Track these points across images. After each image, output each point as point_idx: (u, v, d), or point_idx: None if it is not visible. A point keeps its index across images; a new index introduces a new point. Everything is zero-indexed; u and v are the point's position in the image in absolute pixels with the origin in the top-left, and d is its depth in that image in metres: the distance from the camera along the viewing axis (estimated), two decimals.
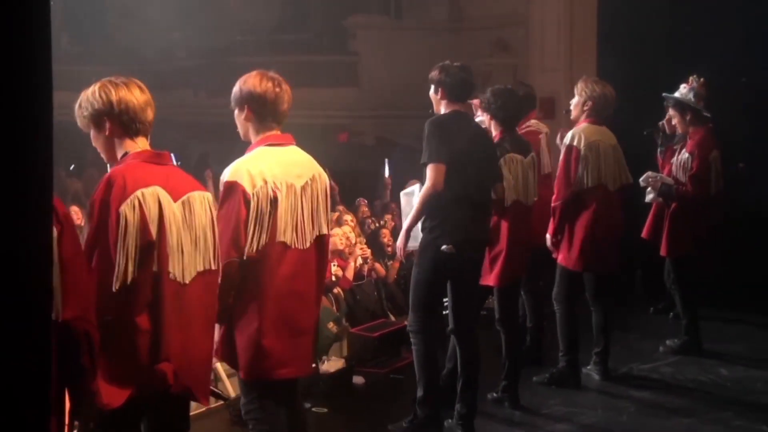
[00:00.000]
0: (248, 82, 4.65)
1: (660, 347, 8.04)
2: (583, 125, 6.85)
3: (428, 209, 5.74)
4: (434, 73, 5.87)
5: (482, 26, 13.30)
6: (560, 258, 6.92)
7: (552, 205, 6.83)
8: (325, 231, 4.60)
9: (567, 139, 6.81)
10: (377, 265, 8.90)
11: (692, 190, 7.62)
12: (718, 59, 10.33)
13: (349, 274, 8.60)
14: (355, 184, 12.94)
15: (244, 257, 4.35)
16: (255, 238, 4.36)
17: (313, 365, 6.92)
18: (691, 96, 7.72)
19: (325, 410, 6.63)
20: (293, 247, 4.44)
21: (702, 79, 7.77)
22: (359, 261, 8.80)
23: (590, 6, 11.35)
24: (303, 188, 4.49)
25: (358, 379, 7.23)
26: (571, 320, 7.00)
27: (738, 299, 9.28)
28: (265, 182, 4.38)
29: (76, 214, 9.61)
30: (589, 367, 7.26)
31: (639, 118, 9.00)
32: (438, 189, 5.63)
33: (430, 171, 5.66)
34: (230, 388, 6.97)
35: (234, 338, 4.46)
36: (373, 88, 13.51)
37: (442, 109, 5.89)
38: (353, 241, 9.03)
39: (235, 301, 4.42)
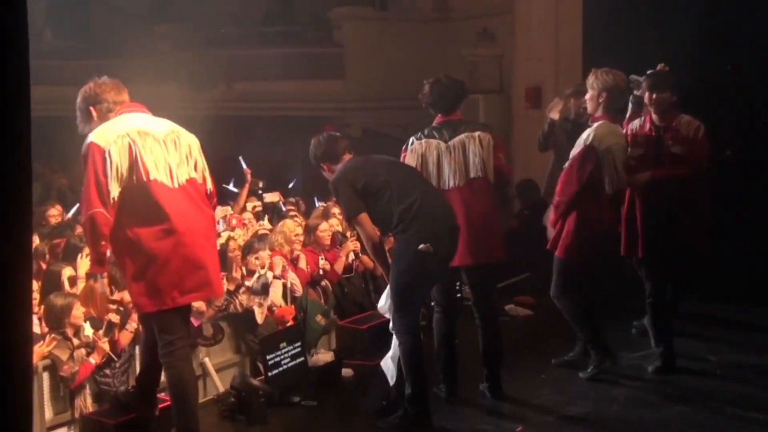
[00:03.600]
0: (80, 92, 5.55)
1: (632, 329, 8.10)
2: (602, 123, 6.75)
3: (391, 224, 5.87)
4: (312, 149, 6.18)
5: (467, 16, 13.24)
6: (560, 252, 6.89)
7: (557, 199, 6.83)
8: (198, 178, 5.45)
9: (589, 139, 6.70)
10: (365, 258, 8.86)
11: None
12: (704, 45, 10.34)
13: (338, 267, 8.57)
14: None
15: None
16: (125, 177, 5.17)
17: (302, 359, 6.94)
18: None
19: (314, 403, 6.62)
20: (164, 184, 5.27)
21: (668, 67, 7.79)
22: (351, 256, 8.76)
23: None
24: (164, 138, 5.35)
25: (347, 372, 7.20)
26: (581, 316, 6.96)
27: (727, 287, 9.26)
28: (124, 135, 5.21)
29: (58, 212, 9.55)
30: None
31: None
32: (375, 237, 5.90)
33: (359, 225, 5.90)
34: (219, 383, 6.95)
35: None
36: (358, 80, 13.45)
37: (331, 171, 6.11)
38: (345, 233, 8.99)
39: None
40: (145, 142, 5.25)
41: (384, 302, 6.04)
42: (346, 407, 6.74)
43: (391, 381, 6.09)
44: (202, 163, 5.53)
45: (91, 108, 5.45)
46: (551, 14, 11.58)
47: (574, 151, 6.76)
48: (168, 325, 5.34)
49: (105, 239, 5.21)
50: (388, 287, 6.04)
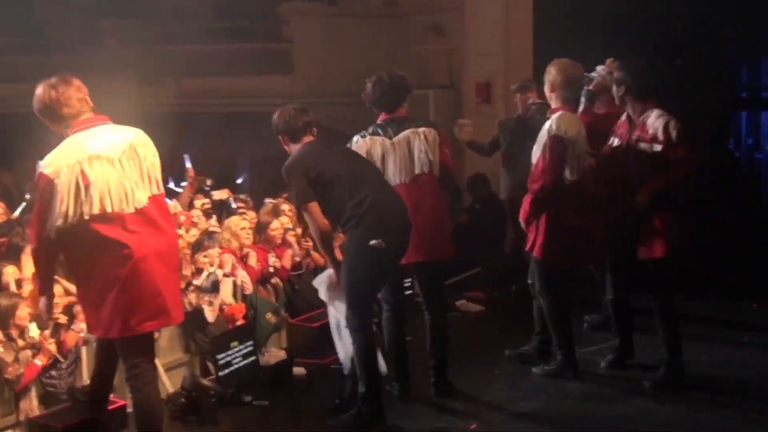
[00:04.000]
0: (35, 98, 5.17)
1: (584, 323, 8.11)
2: (563, 114, 6.64)
3: (342, 218, 5.82)
4: (274, 119, 6.04)
5: (418, 11, 13.18)
6: (537, 251, 6.77)
7: (533, 194, 6.67)
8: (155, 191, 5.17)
9: (553, 129, 6.58)
10: (316, 255, 8.78)
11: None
12: (653, 41, 10.41)
13: (287, 263, 8.48)
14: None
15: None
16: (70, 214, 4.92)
17: (253, 358, 6.86)
18: (609, 78, 7.74)
19: (266, 403, 6.55)
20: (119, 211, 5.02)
21: (617, 62, 7.79)
22: (302, 254, 8.67)
23: None
24: (120, 157, 5.06)
25: (299, 371, 7.13)
26: (560, 313, 6.89)
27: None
28: (74, 165, 4.94)
29: (2, 210, 9.36)
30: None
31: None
32: (324, 227, 5.80)
33: (308, 214, 5.83)
34: (168, 383, 6.84)
35: None
36: (308, 75, 13.33)
37: (292, 151, 5.99)
38: (296, 233, 8.90)
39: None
40: (97, 170, 4.99)
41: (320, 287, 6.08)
42: (298, 406, 6.67)
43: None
44: (156, 170, 5.29)
45: (48, 123, 5.20)
46: (502, 10, 11.56)
47: (540, 143, 6.67)
48: (130, 349, 5.17)
49: (46, 272, 5.15)
50: (324, 273, 6.09)
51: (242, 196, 11.07)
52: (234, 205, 10.37)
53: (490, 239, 10.79)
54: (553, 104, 6.74)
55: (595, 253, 6.88)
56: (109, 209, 4.99)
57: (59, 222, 4.93)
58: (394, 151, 6.31)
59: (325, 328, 7.49)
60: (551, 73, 6.71)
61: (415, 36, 12.98)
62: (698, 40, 12.24)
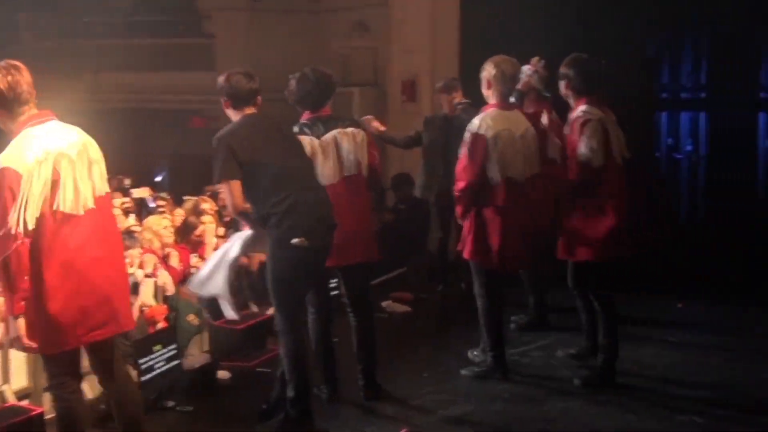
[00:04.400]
0: None
1: (511, 324, 8.07)
2: (491, 111, 6.60)
3: (262, 211, 5.59)
4: (220, 81, 5.76)
5: (341, 7, 13.06)
6: (467, 253, 6.69)
7: (456, 193, 6.63)
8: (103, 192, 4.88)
9: (473, 127, 6.55)
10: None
11: None
12: (577, 39, 10.41)
13: None
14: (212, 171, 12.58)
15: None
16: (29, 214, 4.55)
17: (177, 361, 6.66)
18: (535, 77, 7.76)
19: (190, 408, 6.37)
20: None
21: (543, 61, 7.81)
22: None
23: None
24: (77, 157, 4.74)
25: (223, 374, 6.95)
26: (494, 315, 6.82)
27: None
28: (36, 160, 4.58)
29: None
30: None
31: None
32: (239, 208, 5.55)
33: (226, 189, 5.55)
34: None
35: None
36: (228, 71, 13.13)
37: (232, 117, 5.74)
38: (218, 232, 8.72)
39: None
40: (66, 168, 4.69)
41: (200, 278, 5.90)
42: (223, 411, 6.50)
43: None
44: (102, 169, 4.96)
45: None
46: (428, 7, 11.48)
47: (463, 141, 6.60)
48: (61, 362, 4.86)
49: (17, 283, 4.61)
50: (208, 262, 5.91)
51: (163, 195, 10.86)
52: (152, 204, 10.15)
53: (415, 239, 10.73)
54: (490, 101, 6.66)
55: (527, 255, 6.77)
56: (64, 208, 4.67)
57: (30, 216, 4.55)
58: (322, 152, 6.15)
59: (249, 329, 7.40)
60: (487, 70, 6.64)
61: (340, 32, 12.86)
62: (621, 39, 12.34)
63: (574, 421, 6.13)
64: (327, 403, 6.31)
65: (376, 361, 6.49)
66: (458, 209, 6.67)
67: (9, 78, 4.73)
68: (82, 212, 4.73)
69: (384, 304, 8.91)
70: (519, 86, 7.74)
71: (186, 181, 11.82)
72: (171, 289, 7.66)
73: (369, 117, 8.33)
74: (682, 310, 8.87)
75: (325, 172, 6.15)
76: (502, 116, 6.56)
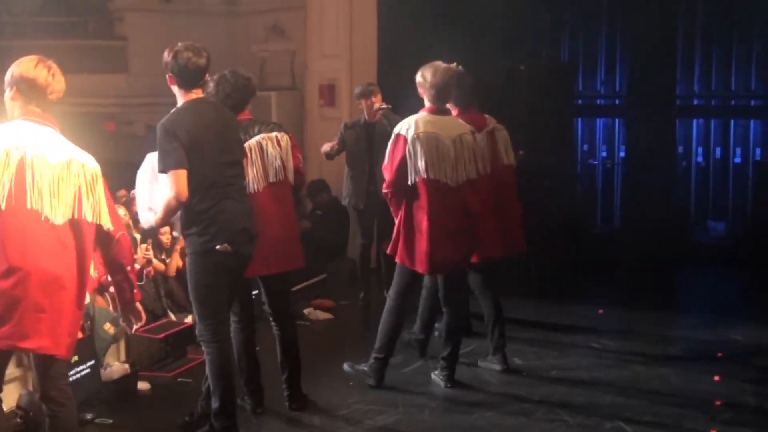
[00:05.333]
0: (22, 65, 4.63)
1: (435, 332, 7.91)
2: (419, 114, 6.55)
3: (187, 213, 5.38)
4: (164, 54, 5.42)
5: (257, 10, 12.84)
6: (398, 257, 6.60)
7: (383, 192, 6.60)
8: (87, 217, 4.53)
9: (396, 128, 6.51)
10: (156, 263, 8.39)
11: None
12: (495, 47, 10.46)
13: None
14: (125, 177, 12.31)
15: None
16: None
17: (95, 372, 6.45)
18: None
19: (110, 421, 6.17)
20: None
21: (460, 67, 7.81)
22: (142, 263, 8.23)
23: None
24: (59, 165, 4.47)
25: (143, 386, 6.75)
26: (398, 320, 6.75)
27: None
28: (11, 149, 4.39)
29: None
30: (435, 373, 6.98)
31: (421, 101, 8.93)
32: (182, 199, 5.23)
33: (171, 179, 5.20)
34: None
35: None
36: (143, 75, 12.77)
37: (178, 98, 5.45)
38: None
39: None
40: (40, 166, 4.43)
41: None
42: (144, 423, 6.31)
43: None
44: (99, 198, 4.65)
45: (16, 94, 4.59)
46: (345, 10, 11.37)
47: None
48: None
49: None
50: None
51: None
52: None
53: (334, 246, 10.64)
54: (425, 105, 6.62)
55: (456, 259, 6.69)
56: (32, 206, 4.40)
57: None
58: (246, 158, 5.97)
59: (170, 339, 7.22)
60: (421, 75, 6.58)
61: (256, 36, 12.67)
62: (539, 45, 12.46)
63: (502, 430, 6.08)
64: (252, 414, 6.17)
65: (300, 371, 6.37)
66: (391, 208, 6.61)
67: (48, 75, 4.63)
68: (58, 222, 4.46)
69: (306, 311, 8.80)
70: None
71: None
72: (86, 298, 7.41)
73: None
74: (603, 317, 8.92)
75: (249, 178, 5.98)
76: (431, 120, 6.50)
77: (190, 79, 5.38)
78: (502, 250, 7.24)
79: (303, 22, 11.93)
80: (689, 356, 7.68)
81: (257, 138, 6.06)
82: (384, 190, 6.54)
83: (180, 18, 13.04)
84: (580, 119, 12.78)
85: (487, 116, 7.35)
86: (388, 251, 6.75)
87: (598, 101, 13.26)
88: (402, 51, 10.21)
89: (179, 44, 5.43)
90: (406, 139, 6.39)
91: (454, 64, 7.66)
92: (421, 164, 6.37)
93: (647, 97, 10.75)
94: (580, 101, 12.70)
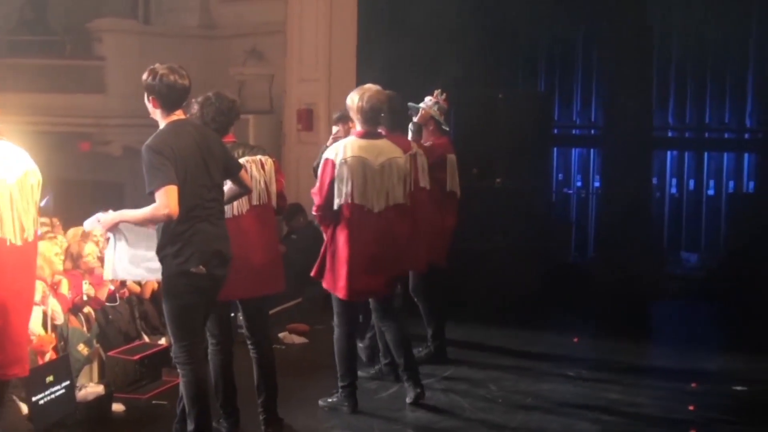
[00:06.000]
0: None
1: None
2: (349, 138, 6.61)
3: (164, 234, 5.34)
4: (144, 76, 5.36)
5: (236, 34, 12.90)
6: (324, 282, 6.69)
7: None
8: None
9: (325, 153, 6.58)
10: (130, 284, 8.33)
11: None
12: (474, 74, 10.51)
13: (102, 294, 7.99)
14: (101, 197, 12.28)
15: None
16: None
17: (69, 393, 6.38)
18: (435, 108, 7.83)
19: None
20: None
21: (445, 94, 7.90)
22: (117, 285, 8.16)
23: (350, 15, 11.19)
24: (16, 183, 4.51)
25: (118, 407, 6.68)
26: (348, 344, 6.76)
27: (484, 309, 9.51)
28: None
29: None
30: (406, 385, 7.00)
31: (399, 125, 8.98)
32: (174, 215, 5.17)
33: (163, 196, 5.15)
34: None
35: None
36: (120, 95, 12.78)
37: (160, 121, 5.40)
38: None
39: None
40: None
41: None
42: None
43: None
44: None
45: None
46: (324, 35, 11.41)
47: None
48: None
49: None
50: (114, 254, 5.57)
51: (45, 219, 10.48)
52: (40, 230, 9.76)
53: (309, 270, 10.58)
54: (356, 129, 6.66)
55: (379, 287, 6.71)
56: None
57: None
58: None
59: (145, 360, 7.16)
60: (351, 99, 6.62)
61: (234, 59, 12.70)
62: (516, 75, 12.54)
63: None
64: None
65: (277, 394, 6.34)
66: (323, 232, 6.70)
67: None
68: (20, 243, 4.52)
69: (281, 335, 8.78)
70: (416, 118, 7.84)
71: (71, 207, 11.45)
72: (60, 318, 7.36)
73: None
74: (578, 345, 8.95)
75: (233, 202, 5.97)
76: (359, 144, 6.52)
77: (173, 100, 5.34)
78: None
79: (282, 46, 11.96)
80: (663, 386, 7.68)
81: (241, 161, 6.05)
82: (314, 213, 6.61)
83: (158, 40, 13.07)
84: (555, 148, 12.85)
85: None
86: (312, 274, 6.77)
87: (573, 131, 13.35)
88: (380, 77, 10.20)
89: (159, 66, 5.37)
90: (334, 164, 6.43)
91: (438, 90, 7.77)
92: (346, 189, 6.40)
93: (622, 128, 10.81)
94: (556, 131, 12.77)
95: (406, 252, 6.81)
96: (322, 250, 6.66)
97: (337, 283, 6.56)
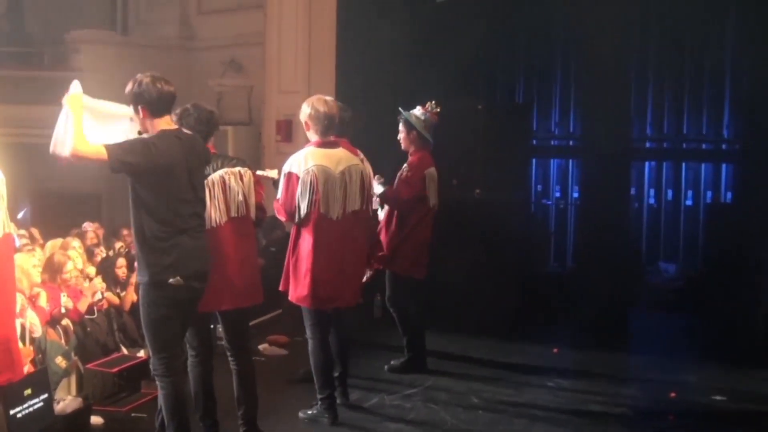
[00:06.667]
0: None
1: (385, 366, 8.15)
2: (307, 149, 6.59)
3: (142, 245, 5.37)
4: (127, 88, 5.41)
5: (214, 45, 12.92)
6: (290, 293, 6.69)
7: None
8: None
9: (286, 165, 6.56)
10: (109, 296, 8.30)
11: (402, 192, 7.79)
12: (457, 85, 10.52)
13: (82, 306, 7.94)
14: (80, 208, 12.22)
15: None
16: None
17: (47, 406, 6.34)
18: (423, 119, 7.90)
19: None
20: None
21: (438, 108, 7.92)
22: (98, 296, 8.11)
23: (328, 26, 11.21)
24: None
25: (96, 420, 6.65)
26: (324, 354, 6.77)
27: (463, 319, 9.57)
28: None
29: None
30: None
31: (378, 136, 8.98)
32: (69, 158, 5.17)
33: (95, 149, 5.15)
34: None
35: None
36: None
37: (150, 130, 5.41)
38: (87, 273, 8.40)
39: None
40: None
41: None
42: None
43: None
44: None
45: None
46: (303, 47, 11.43)
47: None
48: None
49: None
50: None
51: (23, 231, 10.43)
52: (18, 242, 9.71)
53: None
54: (311, 139, 6.67)
55: (344, 294, 6.76)
56: None
57: None
58: (208, 192, 5.93)
59: (124, 372, 7.13)
60: (303, 111, 6.66)
61: (213, 70, 12.69)
62: (495, 86, 12.56)
63: None
64: None
65: (257, 406, 6.32)
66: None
67: None
68: None
69: (261, 347, 8.77)
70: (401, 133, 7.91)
71: (49, 218, 11.40)
72: (38, 331, 7.31)
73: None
74: (558, 356, 8.96)
75: (211, 213, 5.95)
76: (318, 153, 6.55)
77: (163, 107, 5.38)
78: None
79: (261, 57, 11.97)
80: (642, 395, 7.73)
81: (220, 172, 6.03)
82: (283, 220, 6.71)
83: (136, 51, 13.06)
84: (534, 159, 12.86)
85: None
86: (280, 288, 6.78)
87: (552, 142, 13.36)
88: (360, 88, 10.26)
89: (142, 75, 5.40)
90: (298, 176, 6.45)
91: (433, 102, 7.81)
92: (312, 198, 6.44)
93: (601, 139, 10.83)
94: (534, 141, 12.78)
95: (365, 259, 6.95)
96: (285, 262, 6.66)
97: (301, 293, 6.57)
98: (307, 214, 6.44)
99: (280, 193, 6.56)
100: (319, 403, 6.77)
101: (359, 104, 8.26)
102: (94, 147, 5.15)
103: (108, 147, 5.14)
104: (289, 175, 6.48)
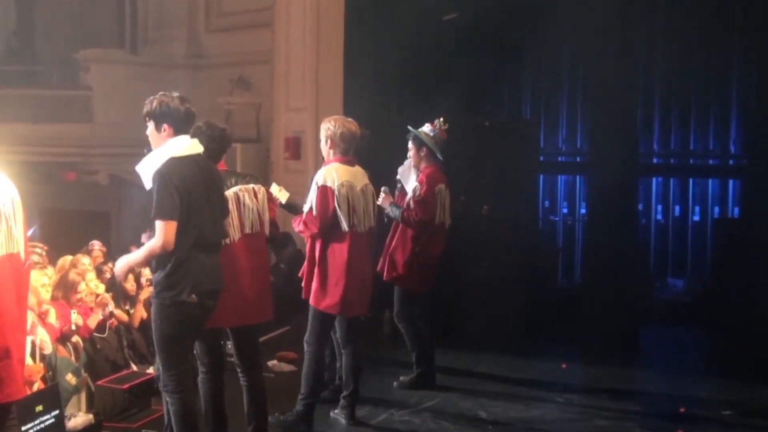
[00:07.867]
0: None
1: (394, 383, 8.15)
2: (334, 164, 6.66)
3: (161, 264, 5.38)
4: (149, 106, 5.41)
5: (223, 63, 12.98)
6: (312, 300, 6.71)
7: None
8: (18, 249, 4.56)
9: (319, 179, 6.60)
10: (119, 314, 8.32)
11: (418, 213, 7.80)
12: (460, 103, 10.56)
13: (92, 323, 7.97)
14: (88, 226, 12.26)
15: None
16: None
17: (59, 422, 6.36)
18: (432, 135, 7.98)
19: None
20: None
21: (447, 125, 7.96)
22: (109, 307, 8.13)
23: (336, 44, 11.26)
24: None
25: None
26: (321, 363, 6.84)
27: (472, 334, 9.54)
28: None
29: None
30: (336, 412, 7.09)
31: (386, 154, 9.00)
32: (168, 249, 5.24)
33: (161, 228, 5.22)
34: None
35: None
36: (107, 125, 12.85)
37: (160, 143, 5.43)
38: (100, 291, 8.42)
39: None
40: None
41: None
42: None
43: None
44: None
45: None
46: (311, 65, 11.48)
47: (310, 196, 6.64)
48: None
49: None
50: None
51: (38, 247, 10.46)
52: (35, 258, 9.75)
53: (297, 298, 10.57)
54: (331, 157, 6.72)
55: (365, 302, 6.93)
56: None
57: None
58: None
59: (135, 389, 7.15)
60: (330, 129, 6.71)
61: (221, 88, 12.74)
62: (501, 102, 12.60)
63: None
64: None
65: (267, 422, 6.34)
66: (308, 248, 6.77)
67: None
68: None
69: (270, 363, 8.76)
70: (408, 160, 8.00)
71: (57, 236, 11.44)
72: (48, 348, 7.34)
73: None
74: (566, 371, 8.96)
75: (225, 229, 5.99)
76: (344, 170, 6.66)
77: (187, 126, 5.46)
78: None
79: (269, 75, 12.02)
80: (652, 411, 7.71)
81: (234, 189, 6.08)
82: (312, 233, 6.58)
83: (145, 69, 13.13)
84: (541, 175, 12.88)
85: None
86: (303, 296, 6.82)
87: (559, 158, 13.39)
88: (367, 105, 10.29)
89: (161, 95, 5.44)
90: (333, 190, 6.52)
91: (441, 119, 7.88)
92: (347, 213, 6.55)
93: (608, 155, 10.86)
94: (542, 158, 12.81)
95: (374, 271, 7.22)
96: (307, 269, 6.73)
97: (332, 300, 6.61)
98: (344, 226, 6.54)
99: (312, 205, 6.57)
100: (299, 409, 6.80)
101: (367, 121, 8.26)
102: (149, 245, 5.31)
103: (160, 225, 5.21)
104: (324, 188, 6.53)
